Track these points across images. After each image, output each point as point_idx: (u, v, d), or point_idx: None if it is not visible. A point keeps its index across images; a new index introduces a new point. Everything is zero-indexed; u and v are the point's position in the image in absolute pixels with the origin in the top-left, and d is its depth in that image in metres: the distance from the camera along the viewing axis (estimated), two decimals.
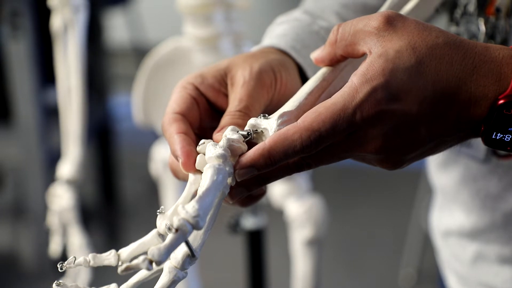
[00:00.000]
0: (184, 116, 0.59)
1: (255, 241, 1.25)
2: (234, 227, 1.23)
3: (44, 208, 2.37)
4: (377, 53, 0.53)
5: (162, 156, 1.23)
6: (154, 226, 0.63)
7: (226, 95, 0.62)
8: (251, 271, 1.27)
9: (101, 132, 2.89)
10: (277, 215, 1.45)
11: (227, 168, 0.53)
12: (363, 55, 0.56)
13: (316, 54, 0.59)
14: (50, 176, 2.37)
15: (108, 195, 2.99)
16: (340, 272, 2.44)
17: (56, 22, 1.10)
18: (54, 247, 1.18)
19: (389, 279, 2.41)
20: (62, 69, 1.12)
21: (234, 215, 1.24)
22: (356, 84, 0.53)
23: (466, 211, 0.81)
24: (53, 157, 2.39)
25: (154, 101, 1.13)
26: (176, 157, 0.57)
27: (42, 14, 2.34)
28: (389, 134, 0.54)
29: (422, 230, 2.29)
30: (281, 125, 0.54)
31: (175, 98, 0.61)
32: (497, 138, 0.55)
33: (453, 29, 0.78)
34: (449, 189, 0.84)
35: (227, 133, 0.55)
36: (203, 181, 0.52)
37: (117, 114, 3.20)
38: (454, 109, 0.54)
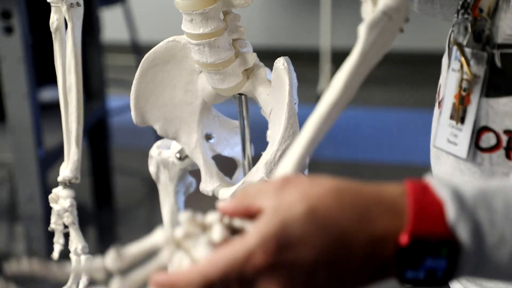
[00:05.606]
0: None
1: None
2: None
3: (38, 208, 2.36)
4: (270, 207, 0.55)
5: (161, 156, 1.22)
6: (151, 227, 0.62)
7: None
8: None
9: (98, 131, 2.88)
10: None
11: None
12: (259, 212, 0.57)
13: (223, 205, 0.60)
14: (44, 176, 2.36)
15: (105, 195, 2.98)
16: None
17: (54, 18, 1.08)
18: (56, 250, 1.16)
19: (388, 278, 2.40)
20: (60, 66, 1.10)
21: None
22: (249, 236, 0.54)
23: None
24: (47, 157, 2.38)
25: (151, 100, 1.12)
26: None
27: (34, 14, 2.32)
28: (286, 283, 0.54)
29: None
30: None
31: None
32: (411, 277, 0.55)
33: (453, 19, 0.82)
34: None
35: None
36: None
37: (114, 113, 3.19)
38: (355, 252, 0.54)
